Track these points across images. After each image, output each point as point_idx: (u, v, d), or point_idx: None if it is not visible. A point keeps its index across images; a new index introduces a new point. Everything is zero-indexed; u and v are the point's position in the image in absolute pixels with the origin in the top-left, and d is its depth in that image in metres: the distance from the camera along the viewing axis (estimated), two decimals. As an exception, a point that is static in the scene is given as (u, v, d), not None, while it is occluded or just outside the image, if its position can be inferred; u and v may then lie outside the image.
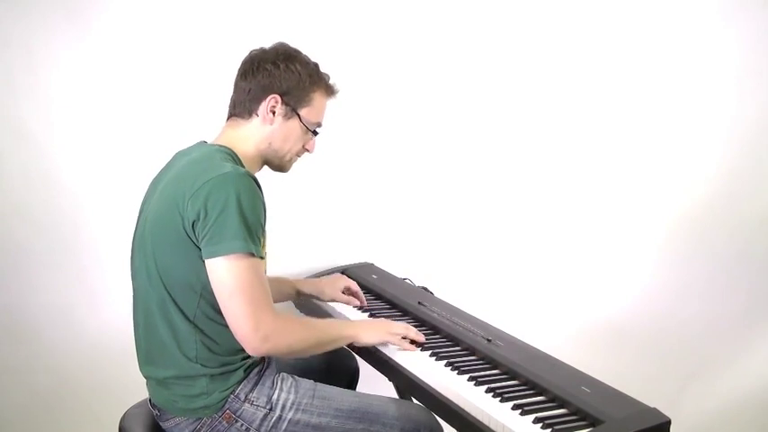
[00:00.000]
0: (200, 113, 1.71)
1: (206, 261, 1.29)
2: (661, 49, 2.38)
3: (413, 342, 1.56)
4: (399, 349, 1.54)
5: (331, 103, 1.56)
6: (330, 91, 1.54)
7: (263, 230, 1.36)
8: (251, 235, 1.28)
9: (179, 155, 1.49)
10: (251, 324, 1.28)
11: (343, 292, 1.83)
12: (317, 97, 1.51)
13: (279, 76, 1.44)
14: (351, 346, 1.61)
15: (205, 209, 1.27)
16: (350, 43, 2.16)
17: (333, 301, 1.83)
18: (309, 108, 1.50)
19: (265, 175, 1.54)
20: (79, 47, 1.97)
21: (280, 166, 1.54)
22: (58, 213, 2.02)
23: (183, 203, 1.30)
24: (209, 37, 2.04)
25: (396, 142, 2.29)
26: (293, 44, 1.51)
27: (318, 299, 1.85)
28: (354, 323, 1.58)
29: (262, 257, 1.34)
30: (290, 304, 1.99)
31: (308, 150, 1.55)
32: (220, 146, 1.43)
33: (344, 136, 2.14)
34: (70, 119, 2.00)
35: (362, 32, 2.19)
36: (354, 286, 1.84)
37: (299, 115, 1.48)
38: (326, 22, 2.14)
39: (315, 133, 1.55)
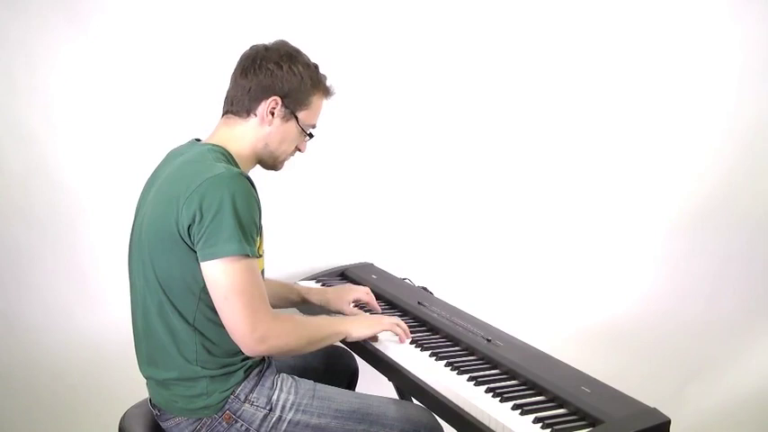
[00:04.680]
0: (200, 111, 1.71)
1: (201, 264, 1.29)
2: (664, 48, 2.38)
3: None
4: (393, 342, 1.55)
5: (331, 103, 1.56)
6: (328, 93, 1.53)
7: (259, 230, 1.36)
8: (246, 236, 1.28)
9: (172, 154, 1.48)
10: (248, 326, 1.28)
11: (353, 305, 1.76)
12: (315, 100, 1.50)
13: (281, 78, 1.43)
14: (350, 344, 1.61)
15: (200, 211, 1.27)
16: (350, 43, 2.16)
17: (339, 312, 1.75)
18: (308, 111, 1.49)
19: (266, 175, 1.55)
20: (78, 45, 1.97)
21: (273, 165, 1.53)
22: (57, 213, 2.01)
23: (177, 206, 1.29)
24: (207, 34, 2.03)
25: (395, 142, 2.29)
26: (291, 42, 1.50)
27: (325, 309, 1.79)
28: (346, 319, 1.58)
29: (259, 256, 1.34)
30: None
31: (300, 150, 1.55)
32: (213, 145, 1.42)
33: (345, 136, 2.14)
34: (70, 118, 2.00)
35: (362, 32, 2.19)
36: (365, 297, 1.77)
37: (296, 118, 1.48)
38: (325, 21, 2.14)
39: (310, 135, 1.54)
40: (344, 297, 1.75)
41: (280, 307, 1.76)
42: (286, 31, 1.55)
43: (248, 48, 1.48)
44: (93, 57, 1.98)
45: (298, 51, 1.48)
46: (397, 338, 1.58)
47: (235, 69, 1.48)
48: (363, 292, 1.77)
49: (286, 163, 1.55)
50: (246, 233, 1.28)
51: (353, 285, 1.85)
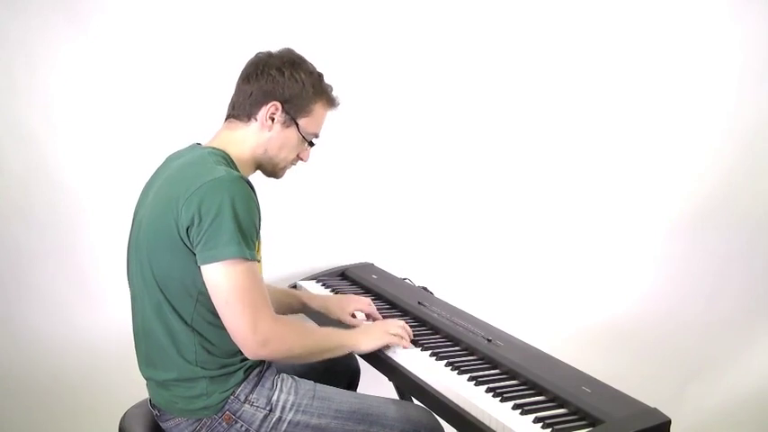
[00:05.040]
0: (200, 113, 1.71)
1: (201, 267, 1.29)
2: (664, 48, 2.38)
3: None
4: (399, 348, 1.54)
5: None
6: (331, 103, 1.53)
7: (258, 234, 1.35)
8: (245, 239, 1.28)
9: (170, 158, 1.48)
10: (249, 328, 1.28)
11: (353, 315, 1.73)
12: (318, 108, 1.50)
13: (282, 84, 1.44)
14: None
15: (199, 214, 1.27)
16: (350, 43, 2.16)
17: (338, 320, 1.72)
18: (309, 119, 1.49)
19: (266, 176, 1.55)
20: (78, 45, 1.97)
21: (273, 172, 1.53)
22: (57, 213, 2.01)
23: (176, 208, 1.29)
24: (207, 35, 2.03)
25: (396, 143, 2.29)
26: (293, 47, 1.51)
27: (325, 316, 1.77)
28: (353, 332, 1.54)
29: (258, 261, 1.34)
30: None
31: (302, 159, 1.55)
32: (213, 148, 1.42)
33: (345, 136, 2.13)
34: (70, 118, 2.00)
35: (363, 32, 2.19)
36: (366, 308, 1.73)
37: (297, 125, 1.48)
38: (325, 22, 2.14)
39: (311, 144, 1.54)
40: (345, 307, 1.73)
41: (281, 313, 1.76)
42: (289, 38, 1.55)
43: (254, 55, 1.49)
44: (94, 57, 1.98)
45: (302, 59, 1.49)
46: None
47: (239, 76, 1.49)
48: (365, 304, 1.75)
49: (287, 171, 1.55)
50: (246, 236, 1.28)
51: (355, 296, 1.82)
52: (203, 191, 1.28)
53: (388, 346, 1.55)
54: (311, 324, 1.50)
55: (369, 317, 1.74)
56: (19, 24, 1.92)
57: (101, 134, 2.02)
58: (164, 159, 1.50)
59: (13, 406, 2.04)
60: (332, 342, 1.46)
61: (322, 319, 1.78)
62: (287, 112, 1.46)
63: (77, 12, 1.96)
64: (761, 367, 2.48)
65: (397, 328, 1.56)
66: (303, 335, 1.40)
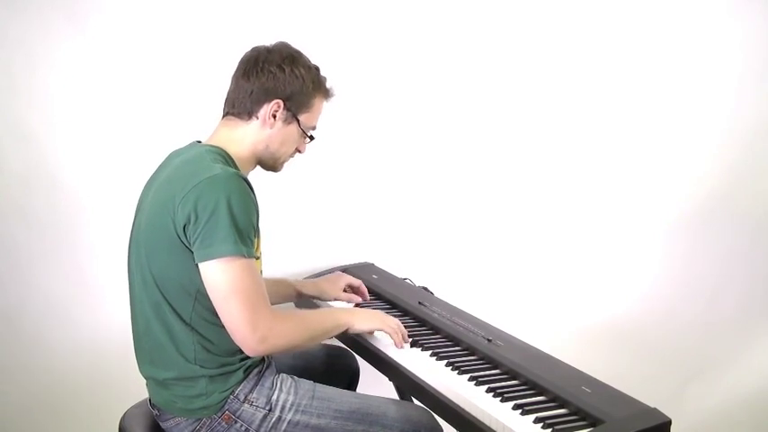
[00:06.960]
0: (200, 111, 1.70)
1: (199, 265, 1.29)
2: (664, 48, 2.38)
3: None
4: (393, 345, 1.54)
5: (332, 103, 1.56)
6: (328, 95, 1.53)
7: (256, 231, 1.35)
8: (242, 237, 1.28)
9: (172, 155, 1.48)
10: (249, 326, 1.28)
11: (345, 290, 1.83)
12: (317, 102, 1.50)
13: (283, 80, 1.43)
14: (351, 343, 1.61)
15: (195, 212, 1.27)
16: (350, 42, 2.16)
17: (335, 300, 1.81)
18: (309, 113, 1.49)
19: (267, 175, 1.55)
20: (77, 44, 1.96)
21: (273, 167, 1.53)
22: (57, 213, 2.01)
23: (173, 207, 1.29)
24: (206, 34, 2.03)
25: (396, 142, 2.29)
26: (289, 42, 1.50)
27: (320, 299, 1.83)
28: (349, 311, 1.59)
29: (257, 258, 1.34)
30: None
31: (299, 152, 1.55)
32: (212, 146, 1.42)
33: (344, 136, 2.14)
34: (70, 118, 2.00)
35: (362, 31, 2.18)
36: (356, 282, 1.84)
37: (298, 121, 1.48)
38: (324, 20, 2.13)
39: (311, 138, 1.54)
40: (338, 283, 1.80)
41: (275, 303, 1.76)
42: (284, 32, 1.55)
43: (250, 49, 1.48)
44: (93, 56, 1.98)
45: (299, 54, 1.48)
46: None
47: (236, 71, 1.48)
48: (354, 279, 1.83)
49: (285, 164, 1.56)
50: (243, 234, 1.28)
51: (343, 273, 1.89)
52: (200, 189, 1.28)
53: (374, 336, 1.57)
54: (303, 310, 1.51)
55: (358, 292, 1.83)
56: (18, 24, 1.91)
57: (100, 133, 2.02)
58: (164, 157, 1.50)
59: (13, 406, 2.04)
60: (328, 323, 1.48)
61: (317, 304, 1.83)
62: (288, 109, 1.46)
63: (76, 11, 1.96)
64: (761, 367, 2.48)
65: (394, 323, 1.57)
66: (300, 325, 1.41)
